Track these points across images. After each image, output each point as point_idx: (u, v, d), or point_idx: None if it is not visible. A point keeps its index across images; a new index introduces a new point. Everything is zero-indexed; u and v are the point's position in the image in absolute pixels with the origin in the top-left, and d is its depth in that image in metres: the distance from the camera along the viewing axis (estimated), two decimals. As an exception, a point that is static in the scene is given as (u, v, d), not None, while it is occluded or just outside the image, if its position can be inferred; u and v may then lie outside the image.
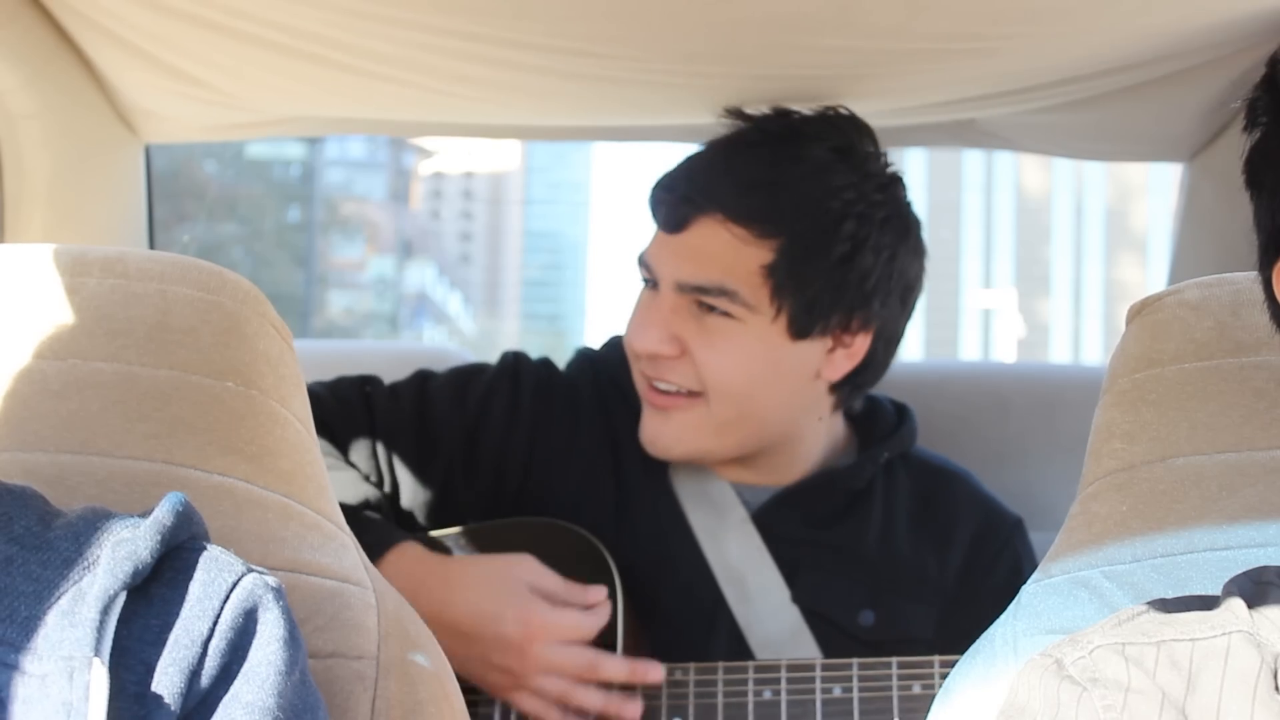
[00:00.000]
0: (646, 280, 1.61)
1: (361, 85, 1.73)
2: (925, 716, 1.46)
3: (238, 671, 0.82)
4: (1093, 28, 1.48)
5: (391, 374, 1.72)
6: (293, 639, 0.85)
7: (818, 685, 1.50)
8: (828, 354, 1.57)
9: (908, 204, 1.63)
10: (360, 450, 1.61)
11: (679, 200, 1.56)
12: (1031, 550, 1.66)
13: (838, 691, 1.49)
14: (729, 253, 1.53)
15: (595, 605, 1.51)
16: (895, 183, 1.61)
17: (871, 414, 1.70)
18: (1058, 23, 1.46)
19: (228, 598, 0.83)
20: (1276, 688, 0.80)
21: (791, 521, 1.62)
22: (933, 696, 1.47)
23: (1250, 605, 0.84)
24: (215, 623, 0.82)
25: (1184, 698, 0.80)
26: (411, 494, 1.62)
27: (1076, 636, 0.85)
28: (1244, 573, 0.88)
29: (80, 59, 1.73)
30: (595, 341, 1.75)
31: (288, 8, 1.46)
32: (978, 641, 1.05)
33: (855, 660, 1.50)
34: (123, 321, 0.99)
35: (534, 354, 1.75)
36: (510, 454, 1.63)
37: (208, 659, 0.81)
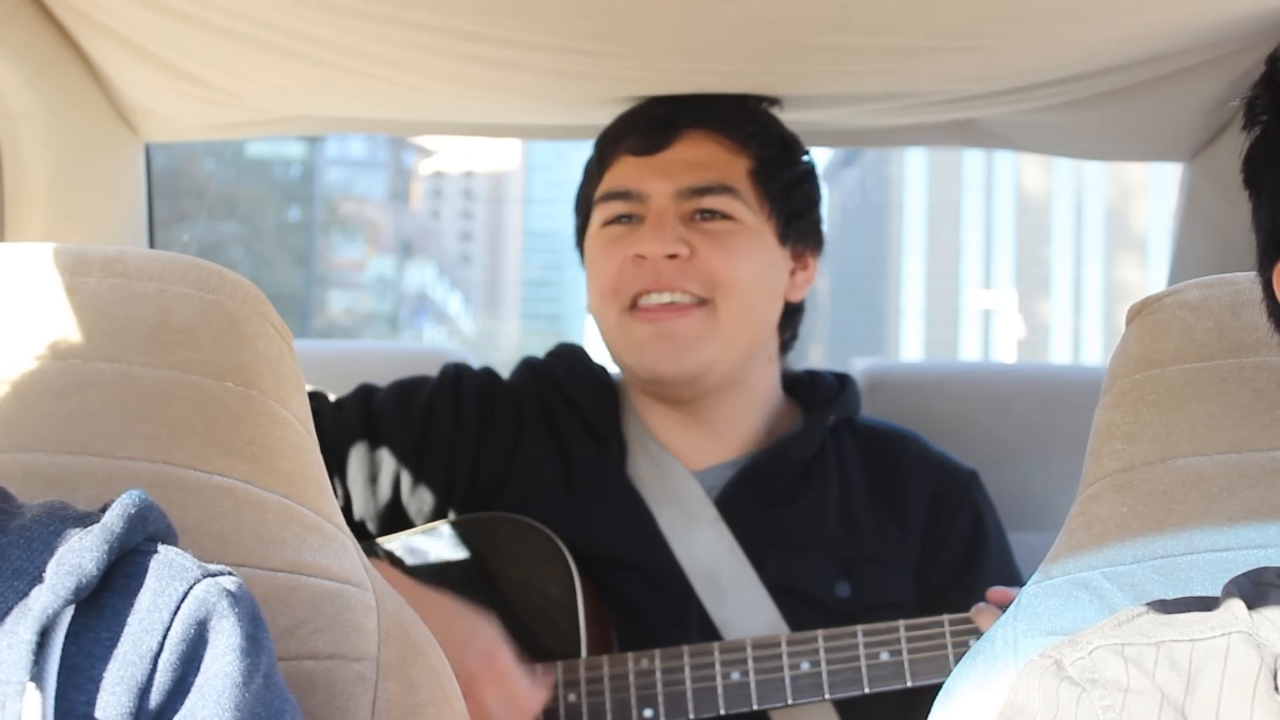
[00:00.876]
0: (623, 217, 1.64)
1: (361, 85, 1.73)
2: (894, 683, 1.48)
3: (191, 685, 0.78)
4: (1092, 26, 1.47)
5: (391, 374, 1.73)
6: (253, 644, 0.80)
7: (785, 662, 1.51)
8: (790, 275, 1.68)
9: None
10: None
11: (657, 123, 1.66)
12: (989, 500, 1.69)
13: (805, 666, 1.50)
14: (721, 159, 1.64)
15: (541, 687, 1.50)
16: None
17: (813, 383, 1.74)
18: (1057, 21, 1.46)
19: (178, 608, 0.79)
20: (1276, 688, 0.80)
21: (753, 502, 1.63)
22: (901, 663, 1.49)
23: (1250, 606, 0.84)
24: (165, 636, 0.78)
25: (1183, 698, 0.80)
26: (362, 505, 1.64)
27: (1076, 637, 0.85)
28: (1244, 574, 0.88)
29: (80, 58, 1.72)
30: (595, 341, 1.76)
31: (288, 8, 1.46)
32: (978, 642, 1.05)
33: (820, 632, 1.51)
34: (123, 321, 0.99)
35: (534, 354, 1.77)
36: (457, 459, 1.65)
37: (158, 674, 0.77)
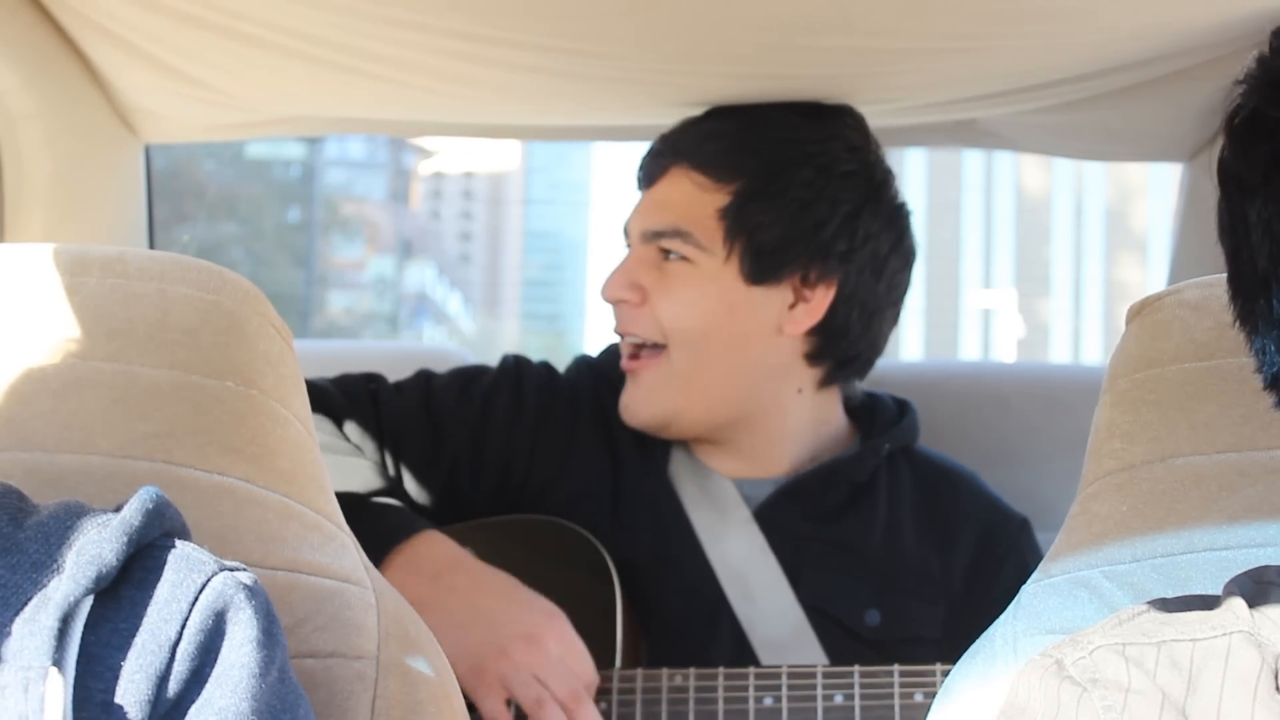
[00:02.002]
0: (628, 247, 1.66)
1: (361, 85, 1.73)
2: None
3: (209, 675, 0.79)
4: (1092, 27, 1.47)
5: (391, 374, 1.73)
6: (268, 637, 0.82)
7: (819, 692, 1.49)
8: (789, 308, 1.61)
9: (884, 179, 1.65)
10: (368, 444, 1.62)
11: (654, 157, 1.66)
12: (1039, 550, 1.65)
13: (839, 699, 1.49)
14: (688, 198, 1.61)
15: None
16: (871, 154, 1.65)
17: (872, 407, 1.71)
18: (1057, 22, 1.46)
19: (196, 599, 0.80)
20: (1277, 688, 0.80)
21: (794, 517, 1.62)
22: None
23: (1251, 605, 0.84)
24: (183, 626, 0.79)
25: (1184, 698, 0.80)
26: (416, 489, 1.63)
27: (1077, 637, 0.85)
28: (1245, 572, 0.88)
29: (80, 59, 1.73)
30: (596, 342, 1.76)
31: (288, 8, 1.46)
32: (977, 641, 1.05)
33: (857, 668, 1.50)
34: (122, 321, 0.99)
35: (534, 354, 1.77)
36: (514, 452, 1.65)
37: (176, 664, 0.79)
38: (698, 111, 1.70)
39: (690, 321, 1.59)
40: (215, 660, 0.80)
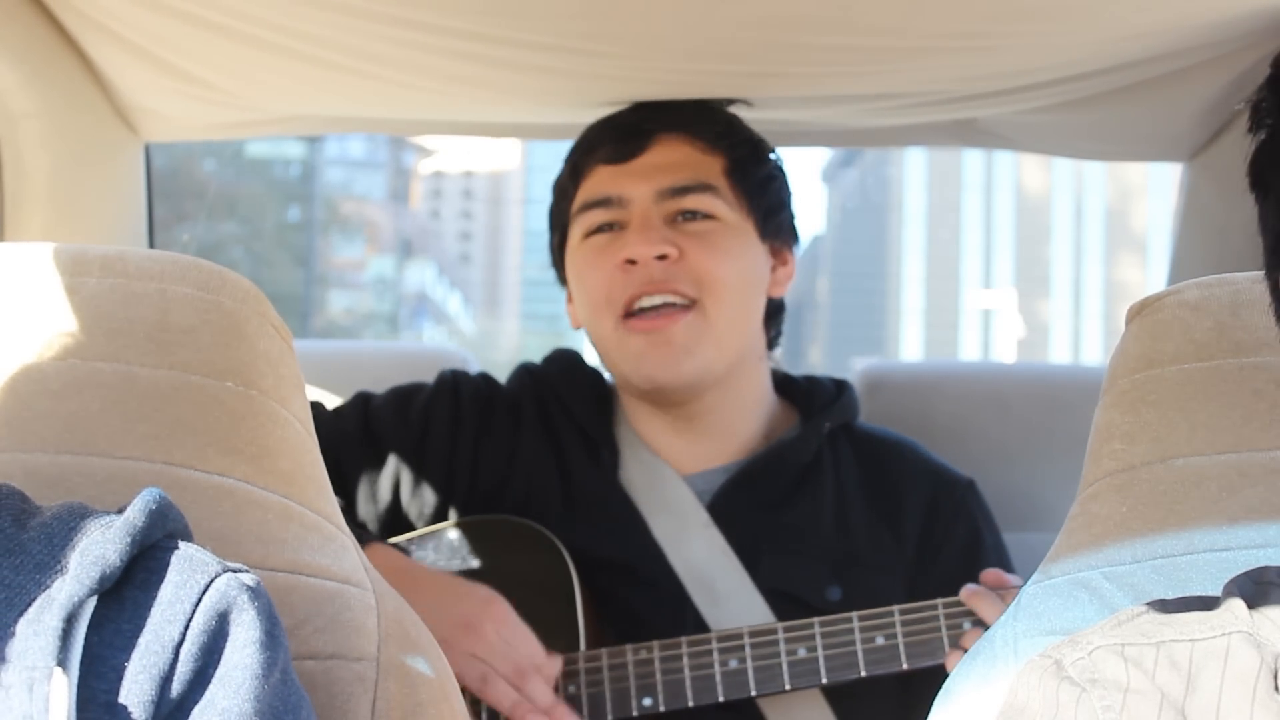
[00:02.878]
0: (605, 225, 1.64)
1: (361, 85, 1.73)
2: (890, 666, 1.49)
3: (212, 676, 0.79)
4: (1092, 26, 1.47)
5: (391, 374, 1.74)
6: (271, 639, 0.82)
7: (782, 648, 1.51)
8: (772, 271, 1.69)
9: None
10: None
11: (629, 130, 1.67)
12: (986, 508, 1.69)
13: (802, 652, 1.51)
14: (696, 160, 1.65)
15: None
16: None
17: (810, 388, 1.74)
18: (1057, 21, 1.46)
19: (200, 600, 0.80)
20: (1276, 688, 0.80)
21: (746, 505, 1.63)
22: (896, 646, 1.49)
23: (1251, 605, 0.84)
24: (187, 627, 0.79)
25: (1183, 698, 0.80)
26: (362, 508, 1.66)
27: (1076, 637, 0.85)
28: (1244, 573, 0.88)
29: (80, 58, 1.72)
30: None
31: (288, 8, 1.46)
32: (978, 642, 1.05)
33: (816, 619, 1.52)
34: (122, 321, 0.99)
35: (534, 354, 1.78)
36: (455, 465, 1.66)
37: (179, 664, 0.79)
38: None
39: (728, 275, 1.61)
40: (218, 661, 0.80)
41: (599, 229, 1.64)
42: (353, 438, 1.66)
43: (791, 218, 1.73)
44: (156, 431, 0.98)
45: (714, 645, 1.52)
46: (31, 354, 0.99)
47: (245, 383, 1.00)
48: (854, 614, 1.52)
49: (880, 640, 1.50)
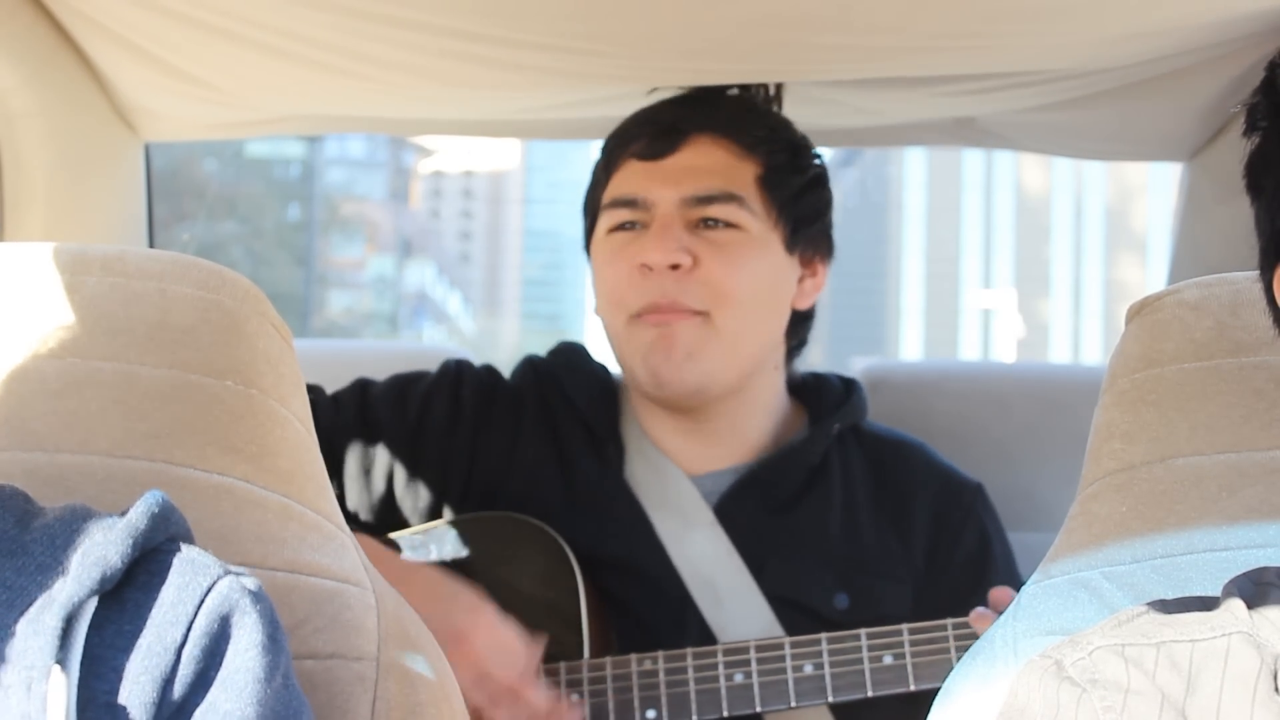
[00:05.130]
0: (627, 224, 1.62)
1: (361, 84, 1.72)
2: (897, 686, 1.48)
3: (214, 679, 0.79)
4: (1092, 26, 1.47)
5: (391, 373, 1.73)
6: (273, 643, 0.82)
7: (788, 664, 1.50)
8: (799, 282, 1.65)
9: None
10: None
11: (666, 127, 1.63)
12: (995, 514, 1.67)
13: (809, 669, 1.50)
14: (727, 165, 1.60)
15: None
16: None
17: (819, 388, 1.72)
18: (1057, 21, 1.46)
19: (201, 603, 0.80)
20: (1276, 689, 0.80)
21: (753, 508, 1.62)
22: (904, 666, 1.48)
23: (1250, 606, 0.84)
24: (189, 629, 0.79)
25: (1184, 699, 0.80)
26: (356, 498, 1.64)
27: (1076, 638, 0.85)
28: (1244, 573, 0.88)
29: (80, 58, 1.72)
30: (596, 341, 1.76)
31: (288, 9, 1.46)
32: (977, 642, 1.05)
33: (824, 635, 1.50)
34: (122, 320, 0.99)
35: (535, 353, 1.76)
36: (451, 458, 1.64)
37: (181, 667, 0.78)
38: None
39: (744, 288, 1.58)
40: (220, 664, 0.79)
41: (622, 226, 1.62)
42: (349, 425, 1.64)
43: (827, 228, 1.68)
44: (156, 430, 0.98)
45: (720, 658, 1.51)
46: (31, 353, 0.99)
47: (245, 382, 1.00)
48: (862, 631, 1.50)
49: (888, 659, 1.49)
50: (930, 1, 1.40)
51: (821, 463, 1.64)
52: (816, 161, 1.68)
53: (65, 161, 1.76)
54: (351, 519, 1.63)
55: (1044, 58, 1.60)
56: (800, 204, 1.63)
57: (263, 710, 0.79)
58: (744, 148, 1.61)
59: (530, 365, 1.73)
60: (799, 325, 1.68)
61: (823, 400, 1.69)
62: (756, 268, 1.59)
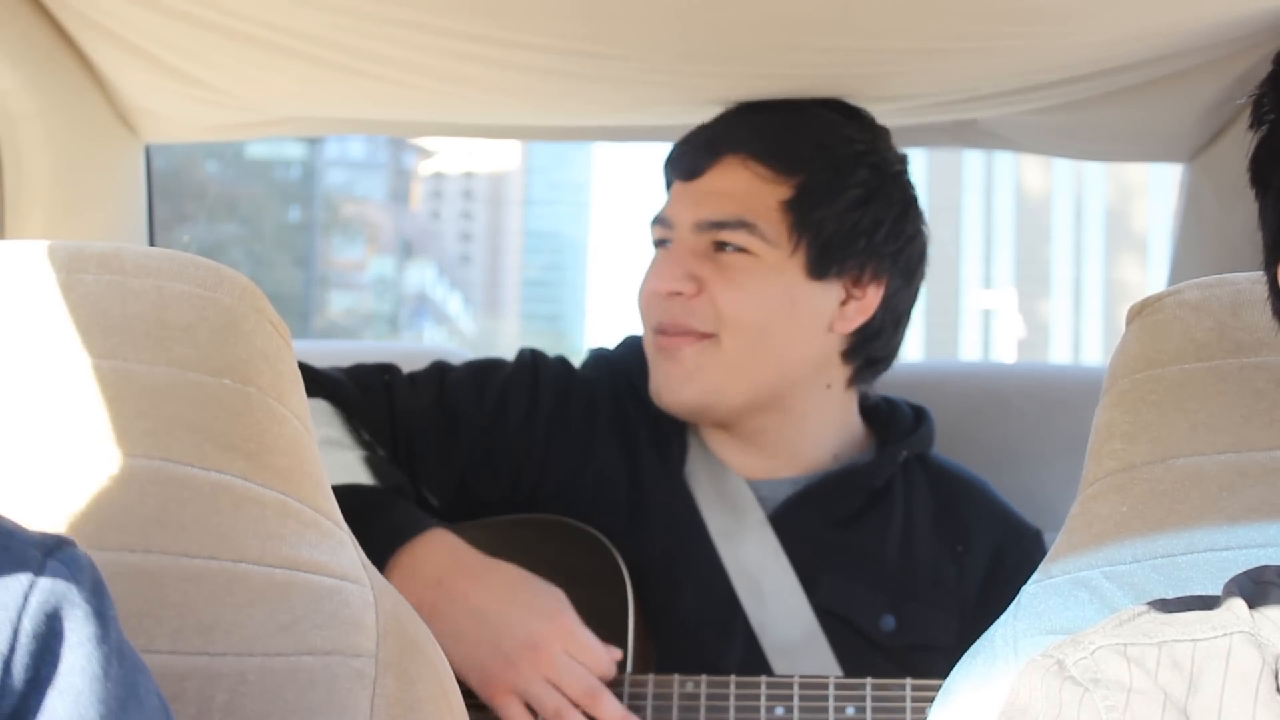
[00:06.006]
0: (660, 242, 1.63)
1: (361, 85, 1.72)
2: None
3: (49, 681, 0.72)
4: (1092, 28, 1.47)
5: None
6: (103, 627, 0.74)
7: (830, 704, 1.48)
8: (841, 305, 1.60)
9: (912, 183, 1.68)
10: (383, 436, 1.60)
11: (700, 147, 1.61)
12: None
13: (850, 711, 1.48)
14: (749, 190, 1.58)
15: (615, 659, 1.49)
16: (903, 158, 1.68)
17: (889, 414, 1.71)
18: (1057, 22, 1.46)
19: (25, 604, 0.73)
20: (1278, 688, 0.80)
21: (811, 522, 1.61)
22: None
23: (1251, 605, 0.84)
24: (14, 637, 0.72)
25: (1185, 698, 0.80)
26: (428, 484, 1.62)
27: (1078, 637, 0.85)
28: (1244, 572, 0.88)
29: (80, 59, 1.72)
30: (595, 341, 1.75)
31: (288, 8, 1.46)
32: (978, 642, 1.05)
33: (869, 680, 1.48)
34: (119, 318, 0.99)
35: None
36: (528, 450, 1.63)
37: (11, 678, 0.71)
38: (700, 111, 1.70)
39: (752, 314, 1.56)
40: (55, 664, 0.73)
41: (658, 243, 1.64)
42: (426, 412, 1.62)
43: (878, 246, 1.60)
44: (153, 428, 0.98)
45: (763, 690, 1.49)
46: (27, 351, 0.99)
47: (243, 379, 1.00)
48: (908, 681, 1.48)
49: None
50: (930, 3, 1.40)
51: (885, 486, 1.63)
52: (863, 178, 1.60)
53: (66, 163, 1.76)
54: (424, 504, 1.61)
55: (1044, 60, 1.60)
56: (834, 226, 1.58)
57: (104, 710, 0.73)
58: (774, 170, 1.58)
59: (604, 360, 1.71)
60: (861, 346, 1.63)
61: (891, 426, 1.68)
62: (766, 294, 1.57)
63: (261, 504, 0.99)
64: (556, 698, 1.44)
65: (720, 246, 1.58)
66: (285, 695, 0.94)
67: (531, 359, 1.69)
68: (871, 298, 1.61)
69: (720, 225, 1.57)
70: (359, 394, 1.61)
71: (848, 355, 1.63)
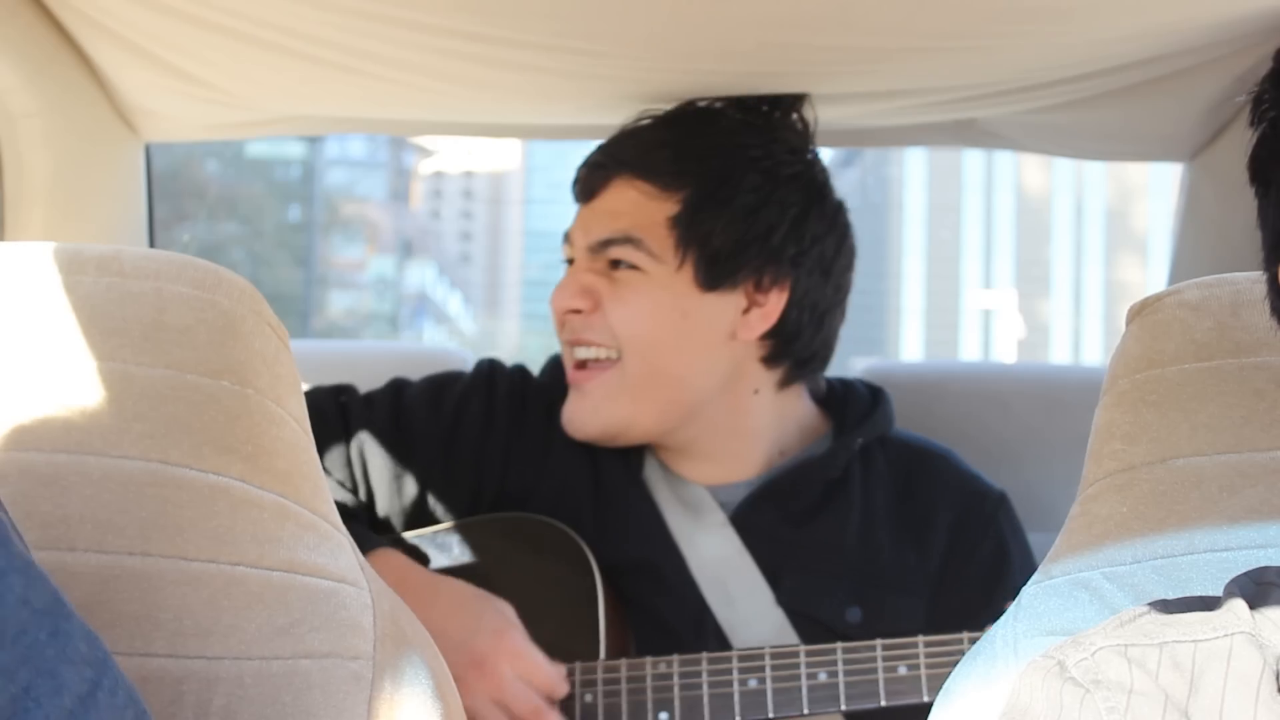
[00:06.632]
0: (568, 260, 1.66)
1: (361, 85, 1.73)
2: (910, 697, 1.48)
3: None
4: (1092, 27, 1.47)
5: (391, 374, 1.73)
6: None
7: (803, 671, 1.50)
8: (742, 314, 1.60)
9: (824, 180, 1.67)
10: (336, 458, 1.62)
11: (594, 169, 1.64)
12: (1017, 523, 1.66)
13: (823, 677, 1.50)
14: (636, 208, 1.60)
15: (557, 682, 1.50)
16: (811, 154, 1.67)
17: (845, 398, 1.71)
18: (1057, 22, 1.46)
19: None
20: (1279, 689, 0.79)
21: (770, 520, 1.61)
22: (919, 678, 1.48)
23: (1252, 606, 0.84)
24: None
25: (1186, 699, 0.80)
26: (388, 501, 1.63)
27: (1079, 638, 0.85)
28: (1245, 573, 0.88)
29: (80, 58, 1.72)
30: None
31: (288, 8, 1.46)
32: (978, 643, 1.05)
33: (839, 645, 1.50)
34: (118, 320, 0.99)
35: (534, 354, 1.77)
36: (486, 459, 1.64)
37: None
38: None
39: (644, 329, 1.58)
40: None
41: (566, 261, 1.67)
42: (382, 428, 1.64)
43: (776, 252, 1.59)
44: (152, 430, 0.98)
45: (734, 664, 1.51)
46: (26, 353, 0.99)
47: (241, 381, 1.00)
48: (878, 642, 1.50)
49: (903, 670, 1.49)
50: (930, 2, 1.40)
51: (842, 475, 1.63)
52: (755, 179, 1.59)
53: (66, 162, 1.76)
54: (381, 525, 1.63)
55: (1044, 59, 1.60)
56: (723, 236, 1.58)
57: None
58: (659, 186, 1.60)
59: (560, 364, 1.72)
60: (782, 349, 1.63)
61: (847, 412, 1.68)
62: (657, 308, 1.58)
63: (259, 506, 0.98)
64: (498, 717, 1.45)
65: (615, 264, 1.61)
66: (283, 698, 0.94)
67: (489, 369, 1.71)
68: (774, 304, 1.61)
69: (609, 243, 1.60)
70: (312, 416, 1.61)
71: (770, 360, 1.64)
